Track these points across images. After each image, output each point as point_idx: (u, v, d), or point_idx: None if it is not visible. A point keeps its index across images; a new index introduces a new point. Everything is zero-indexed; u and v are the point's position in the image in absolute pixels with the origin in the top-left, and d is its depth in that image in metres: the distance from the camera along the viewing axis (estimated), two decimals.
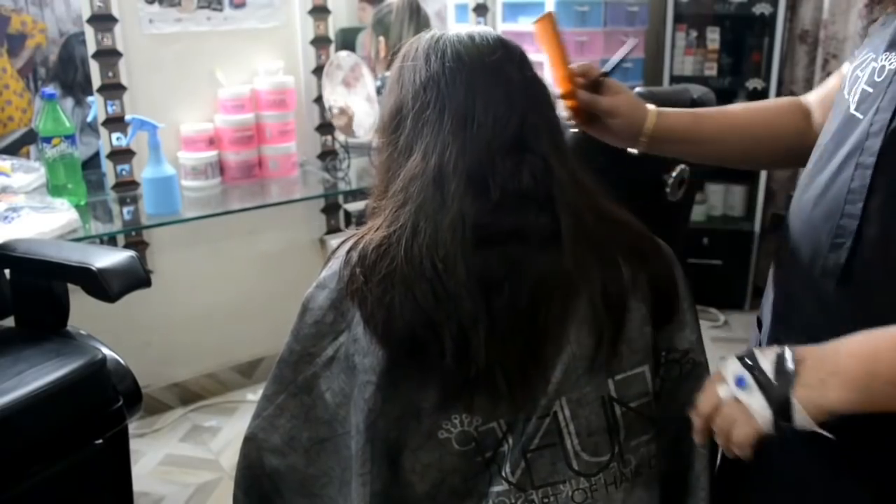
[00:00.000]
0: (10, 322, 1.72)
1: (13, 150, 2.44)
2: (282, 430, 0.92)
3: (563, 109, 1.02)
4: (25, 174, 2.16)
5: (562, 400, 0.85)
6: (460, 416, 0.84)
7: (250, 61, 2.40)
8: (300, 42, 2.48)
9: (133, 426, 1.80)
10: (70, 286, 1.65)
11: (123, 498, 1.64)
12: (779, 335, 0.90)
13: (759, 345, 0.97)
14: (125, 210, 2.20)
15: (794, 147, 1.05)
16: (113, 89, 2.18)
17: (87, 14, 2.11)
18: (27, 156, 2.46)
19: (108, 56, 2.16)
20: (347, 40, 2.87)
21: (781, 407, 0.70)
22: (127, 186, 2.26)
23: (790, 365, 0.70)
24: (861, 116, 0.81)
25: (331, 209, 2.64)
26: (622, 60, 1.07)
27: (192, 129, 2.30)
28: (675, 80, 3.10)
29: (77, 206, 1.99)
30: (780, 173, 3.16)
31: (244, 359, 2.61)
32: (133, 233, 2.25)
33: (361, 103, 2.29)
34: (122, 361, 1.61)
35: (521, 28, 2.85)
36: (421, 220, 0.83)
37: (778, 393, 0.70)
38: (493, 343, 0.81)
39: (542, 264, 0.84)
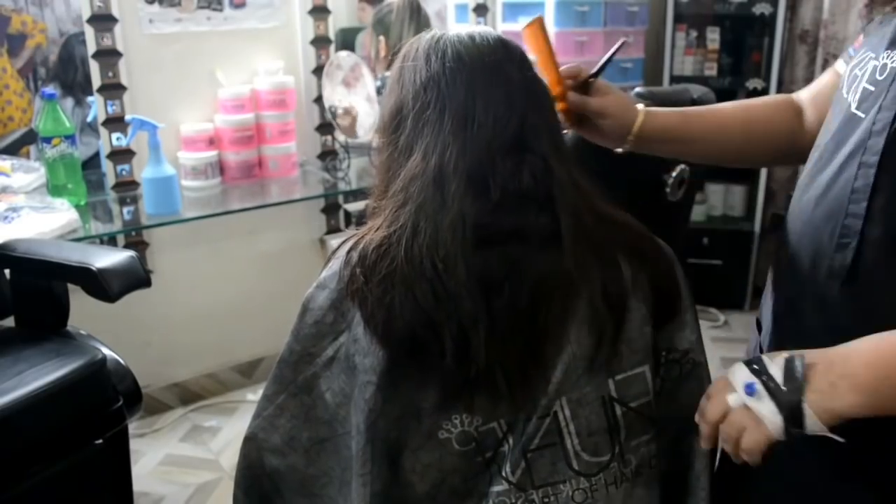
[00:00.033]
0: (10, 322, 1.72)
1: (13, 150, 2.44)
2: (282, 430, 0.92)
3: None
4: (25, 174, 2.16)
5: (562, 400, 0.85)
6: (460, 416, 0.84)
7: (250, 61, 2.40)
8: (300, 42, 2.48)
9: (133, 426, 1.81)
10: (70, 286, 1.65)
11: (123, 498, 1.64)
12: (780, 338, 0.90)
13: (759, 347, 0.97)
14: (125, 210, 2.20)
15: (786, 145, 1.05)
16: (113, 89, 2.18)
17: (87, 14, 2.11)
18: (27, 156, 2.46)
19: (108, 56, 2.16)
20: (347, 40, 2.87)
21: (793, 413, 0.69)
22: (127, 186, 2.26)
23: (800, 370, 0.70)
24: (863, 115, 0.80)
25: (331, 209, 2.64)
26: (609, 60, 1.06)
27: (192, 129, 2.30)
28: (675, 80, 3.10)
29: (77, 206, 1.99)
30: (780, 173, 3.16)
31: (244, 359, 2.61)
32: (133, 233, 2.25)
33: (361, 103, 2.29)
34: (122, 361, 1.61)
35: (521, 28, 2.85)
36: (421, 220, 0.83)
37: (789, 399, 0.70)
38: (493, 343, 0.81)
39: (542, 264, 0.84)
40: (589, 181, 0.90)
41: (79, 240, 1.89)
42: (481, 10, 2.82)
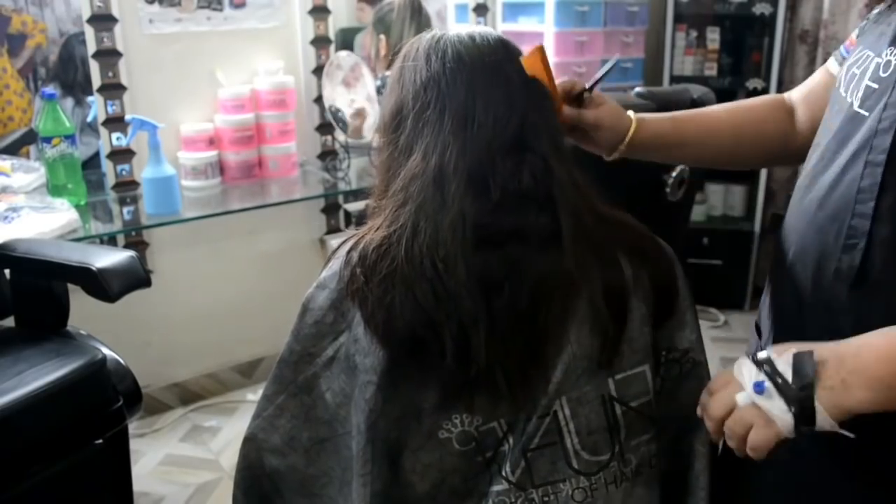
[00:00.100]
0: (10, 322, 1.72)
1: (13, 150, 2.43)
2: (282, 430, 0.92)
3: None
4: (25, 174, 2.15)
5: (562, 399, 0.85)
6: (461, 415, 0.84)
7: (250, 61, 2.40)
8: (300, 42, 2.48)
9: (133, 426, 1.81)
10: (70, 286, 1.65)
11: (123, 498, 1.64)
12: (783, 342, 0.89)
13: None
14: (125, 210, 2.20)
15: (777, 146, 1.05)
16: (113, 89, 2.18)
17: (87, 14, 2.11)
18: (27, 156, 2.46)
19: (108, 56, 2.16)
20: (347, 40, 2.87)
21: (803, 411, 0.68)
22: (127, 186, 2.26)
23: (810, 367, 0.69)
24: (866, 113, 0.79)
25: (331, 209, 2.64)
26: (604, 76, 1.08)
27: (192, 129, 2.30)
28: (675, 80, 3.10)
29: (77, 206, 1.99)
30: (780, 173, 3.16)
31: (244, 359, 2.61)
32: (133, 233, 2.25)
33: (365, 103, 2.30)
34: (122, 361, 1.61)
35: (521, 28, 2.85)
36: (421, 219, 0.83)
37: (799, 397, 0.68)
38: (493, 343, 0.81)
39: (542, 264, 0.84)
40: (587, 181, 0.91)
41: (79, 240, 1.89)
42: (481, 10, 2.82)
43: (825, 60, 1.01)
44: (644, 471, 0.91)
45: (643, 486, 0.91)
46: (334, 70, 2.34)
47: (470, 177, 0.83)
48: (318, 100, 2.50)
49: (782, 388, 0.70)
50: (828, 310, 0.80)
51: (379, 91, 2.27)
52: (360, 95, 2.29)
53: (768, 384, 0.70)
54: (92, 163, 2.38)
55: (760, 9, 2.96)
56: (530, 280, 0.83)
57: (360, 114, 2.31)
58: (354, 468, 0.86)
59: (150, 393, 2.36)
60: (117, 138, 2.21)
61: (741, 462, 0.84)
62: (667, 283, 0.92)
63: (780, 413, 0.69)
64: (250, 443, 0.95)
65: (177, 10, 2.24)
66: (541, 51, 0.91)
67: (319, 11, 2.47)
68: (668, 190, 1.80)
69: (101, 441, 1.51)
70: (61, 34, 2.65)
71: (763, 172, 3.11)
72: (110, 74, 2.17)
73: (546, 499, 0.87)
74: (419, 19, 2.65)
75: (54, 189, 2.04)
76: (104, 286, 1.46)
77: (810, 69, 3.01)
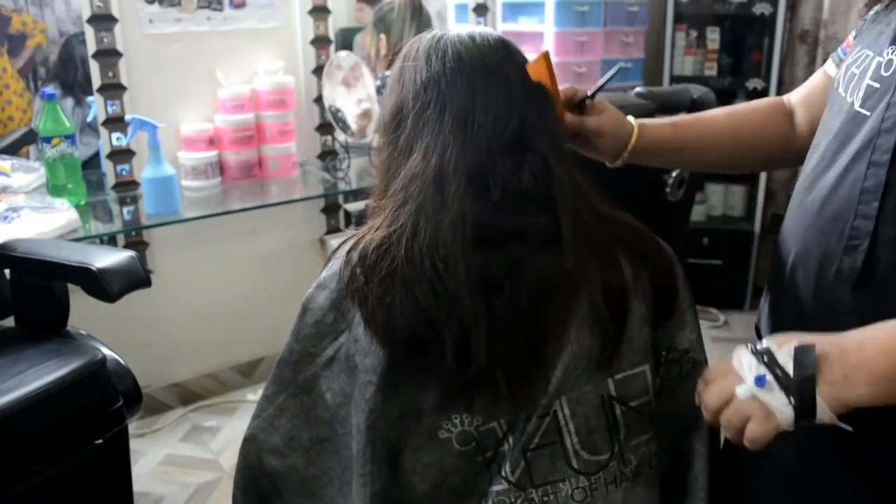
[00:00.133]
0: (10, 322, 1.72)
1: (13, 150, 2.43)
2: (282, 430, 0.92)
3: None
4: (25, 174, 2.15)
5: (562, 399, 0.85)
6: (461, 415, 0.84)
7: (250, 61, 2.40)
8: (300, 42, 2.48)
9: (133, 426, 1.81)
10: (70, 286, 1.65)
11: (123, 498, 1.64)
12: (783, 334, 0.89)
13: None
14: (125, 210, 2.20)
15: (777, 149, 1.05)
16: (113, 89, 2.18)
17: (87, 14, 2.11)
18: (27, 156, 2.46)
19: (108, 56, 2.16)
20: (347, 40, 2.87)
21: (804, 405, 0.68)
22: (127, 186, 2.26)
23: (812, 361, 0.68)
24: (868, 113, 0.78)
25: (331, 209, 2.64)
26: (605, 83, 1.08)
27: (192, 129, 2.30)
28: (675, 80, 3.10)
29: (77, 206, 1.99)
30: (780, 173, 3.16)
31: (244, 359, 2.61)
32: (133, 233, 2.25)
33: (369, 104, 2.30)
34: (122, 361, 1.61)
35: (521, 28, 2.85)
36: (421, 219, 0.83)
37: (801, 391, 0.68)
38: (493, 343, 0.81)
39: (542, 264, 0.84)
40: (589, 181, 0.91)
41: (79, 240, 1.89)
42: (481, 10, 2.82)
43: (825, 60, 1.01)
44: (644, 471, 0.91)
45: (643, 485, 0.91)
46: (334, 70, 2.34)
47: (470, 177, 0.83)
48: (318, 100, 2.50)
49: (783, 382, 0.69)
50: (831, 312, 0.79)
51: (379, 91, 2.27)
52: (359, 95, 2.29)
53: (769, 377, 0.70)
54: (92, 163, 2.38)
55: (760, 9, 2.96)
56: (530, 280, 0.83)
57: (367, 114, 2.31)
58: (354, 468, 0.86)
59: (150, 393, 2.36)
60: (117, 138, 2.21)
61: (741, 461, 0.84)
62: (667, 283, 0.92)
63: (781, 406, 0.69)
64: (250, 443, 0.95)
65: (177, 10, 2.24)
66: (546, 58, 0.91)
67: (319, 11, 2.46)
68: (668, 190, 1.80)
69: (101, 441, 1.51)
70: (61, 34, 2.65)
71: (763, 173, 3.11)
72: (110, 74, 2.17)
73: (546, 498, 0.87)
74: (420, 19, 2.65)
75: (54, 189, 2.04)
76: (104, 286, 1.46)
77: (810, 69, 3.01)
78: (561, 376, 0.84)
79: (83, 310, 1.69)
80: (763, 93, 3.01)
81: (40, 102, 2.40)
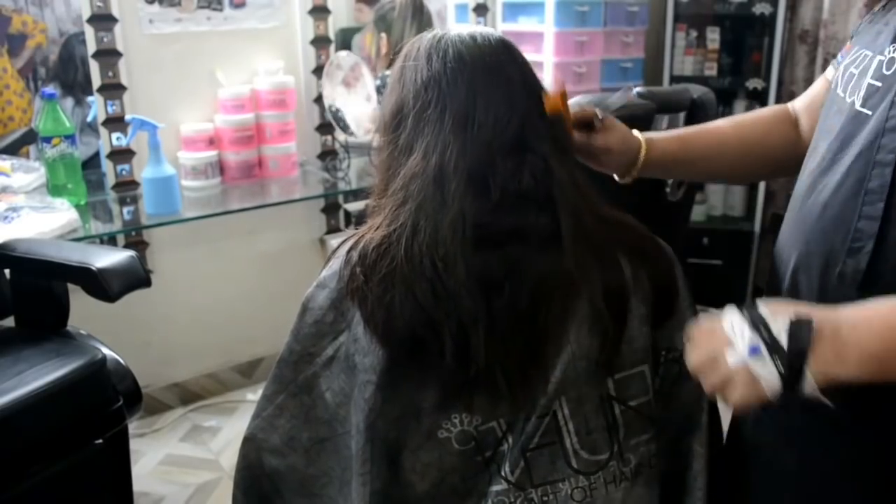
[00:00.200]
0: (10, 322, 1.72)
1: (13, 150, 2.44)
2: (281, 430, 0.92)
3: None
4: (25, 174, 2.15)
5: (561, 399, 0.85)
6: (460, 415, 0.84)
7: (250, 61, 2.40)
8: (300, 42, 2.48)
9: (133, 426, 1.80)
10: (70, 286, 1.65)
11: (123, 498, 1.64)
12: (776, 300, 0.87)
13: None
14: (125, 210, 2.20)
15: (784, 157, 1.05)
16: (113, 89, 2.18)
17: (87, 14, 2.11)
18: (27, 156, 2.46)
19: (108, 56, 2.15)
20: (347, 40, 2.88)
21: (792, 378, 0.67)
22: (127, 186, 2.26)
23: (807, 337, 0.67)
24: (869, 112, 0.77)
25: (331, 209, 2.64)
26: (616, 110, 1.09)
27: (192, 129, 2.30)
28: (675, 80, 3.10)
29: (77, 206, 1.99)
30: None
31: (244, 359, 2.61)
32: (133, 233, 2.25)
33: (361, 103, 2.29)
34: (122, 361, 1.61)
35: (521, 28, 2.85)
36: (421, 218, 0.83)
37: (791, 365, 0.67)
38: (492, 343, 0.81)
39: (542, 264, 0.84)
40: (587, 182, 0.91)
41: (79, 240, 1.89)
42: (481, 10, 2.82)
43: (825, 61, 1.01)
44: (643, 470, 0.91)
45: (643, 485, 0.91)
46: (334, 70, 2.34)
47: (470, 176, 0.83)
48: (318, 100, 2.50)
49: (775, 352, 0.68)
50: None
51: (379, 91, 2.27)
52: (359, 95, 2.29)
53: (763, 349, 0.68)
54: (92, 163, 2.38)
55: (760, 9, 2.96)
56: (530, 280, 0.83)
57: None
58: (354, 468, 0.86)
59: (150, 393, 2.36)
60: (117, 138, 2.21)
61: (742, 462, 0.84)
62: (667, 283, 0.92)
63: (769, 376, 0.68)
64: (250, 443, 0.95)
65: (177, 10, 2.24)
66: (563, 95, 0.92)
67: (319, 11, 2.46)
68: (668, 190, 1.80)
69: (101, 441, 1.51)
70: (61, 34, 2.65)
71: None
72: (110, 74, 2.17)
73: (545, 498, 0.87)
74: (420, 18, 2.65)
75: (54, 189, 2.04)
76: (104, 286, 1.46)
77: (810, 69, 3.01)
78: (560, 376, 0.84)
79: (83, 310, 1.69)
80: (763, 93, 3.01)
81: (40, 102, 2.41)
